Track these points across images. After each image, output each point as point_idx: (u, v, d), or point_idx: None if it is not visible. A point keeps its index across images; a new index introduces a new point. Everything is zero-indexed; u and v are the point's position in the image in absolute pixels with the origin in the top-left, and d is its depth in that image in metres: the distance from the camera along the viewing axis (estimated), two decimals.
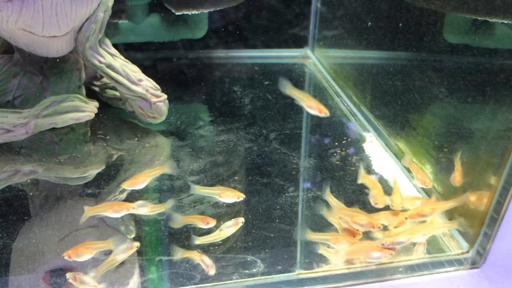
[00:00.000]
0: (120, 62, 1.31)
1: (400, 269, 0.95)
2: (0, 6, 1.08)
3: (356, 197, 1.12)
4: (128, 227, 1.03)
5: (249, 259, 0.95)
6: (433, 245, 1.01)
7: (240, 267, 0.93)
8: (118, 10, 1.59)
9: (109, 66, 1.28)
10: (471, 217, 0.99)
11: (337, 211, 0.99)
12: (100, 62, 1.27)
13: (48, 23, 1.15)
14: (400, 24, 1.19)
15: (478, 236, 0.98)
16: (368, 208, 1.03)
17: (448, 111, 1.18)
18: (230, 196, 1.06)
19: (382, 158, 1.30)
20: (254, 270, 0.93)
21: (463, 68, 1.11)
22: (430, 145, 1.20)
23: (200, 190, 1.09)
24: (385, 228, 0.99)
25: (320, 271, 0.93)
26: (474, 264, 0.98)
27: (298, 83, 1.74)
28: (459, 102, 1.14)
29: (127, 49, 1.70)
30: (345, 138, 1.38)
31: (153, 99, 1.32)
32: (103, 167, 1.21)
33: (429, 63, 1.24)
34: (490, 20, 1.02)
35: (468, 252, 0.99)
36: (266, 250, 0.98)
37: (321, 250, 0.96)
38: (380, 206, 1.02)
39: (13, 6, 1.09)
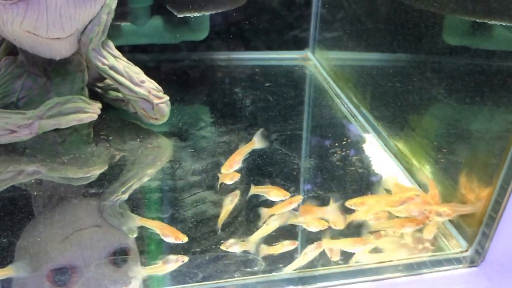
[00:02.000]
0: (122, 64, 1.32)
1: (399, 268, 0.96)
2: (5, 8, 1.10)
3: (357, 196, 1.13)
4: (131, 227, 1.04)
5: (250, 257, 0.96)
6: (432, 243, 1.02)
7: (241, 265, 0.94)
8: (121, 13, 1.60)
9: (112, 68, 1.30)
10: (470, 216, 1.00)
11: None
12: (103, 63, 1.29)
13: (52, 25, 1.16)
14: None
15: (477, 235, 0.99)
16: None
17: (447, 112, 1.19)
18: (277, 194, 1.09)
19: (381, 158, 1.31)
20: (255, 268, 0.94)
21: (462, 70, 1.12)
22: (429, 146, 1.21)
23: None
24: None
25: (321, 269, 0.94)
26: (472, 263, 0.99)
27: (299, 85, 1.75)
28: (458, 103, 1.15)
29: (130, 51, 1.71)
30: (345, 139, 1.39)
31: (155, 101, 1.34)
32: (106, 167, 1.22)
33: (428, 65, 1.25)
34: (489, 22, 1.03)
35: (467, 251, 1.00)
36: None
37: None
38: None
39: (18, 8, 1.11)
